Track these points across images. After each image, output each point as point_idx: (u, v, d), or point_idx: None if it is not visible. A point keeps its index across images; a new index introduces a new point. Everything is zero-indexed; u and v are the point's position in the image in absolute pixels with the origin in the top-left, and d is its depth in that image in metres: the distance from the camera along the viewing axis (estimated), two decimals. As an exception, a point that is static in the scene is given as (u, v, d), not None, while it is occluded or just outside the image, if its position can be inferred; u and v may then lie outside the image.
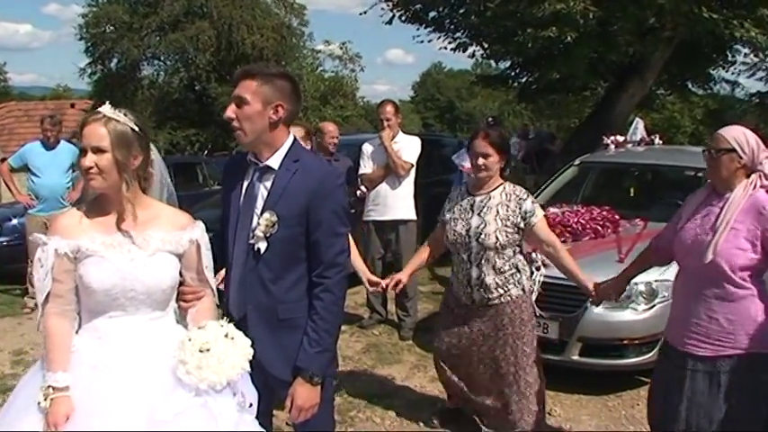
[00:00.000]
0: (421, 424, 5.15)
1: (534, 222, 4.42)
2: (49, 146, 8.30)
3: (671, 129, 31.54)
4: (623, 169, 8.43)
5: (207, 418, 2.53)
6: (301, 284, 2.99)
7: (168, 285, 2.73)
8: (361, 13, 17.06)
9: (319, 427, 3.12)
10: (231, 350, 2.59)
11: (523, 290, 4.51)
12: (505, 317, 4.47)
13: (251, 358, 2.65)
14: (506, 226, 4.39)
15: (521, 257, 4.56)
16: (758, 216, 3.36)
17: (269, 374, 2.93)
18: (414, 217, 7.21)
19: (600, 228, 6.35)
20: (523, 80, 18.08)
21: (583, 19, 12.41)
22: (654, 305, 5.43)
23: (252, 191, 3.05)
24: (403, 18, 16.23)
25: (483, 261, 4.45)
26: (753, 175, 3.45)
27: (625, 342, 5.51)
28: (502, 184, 4.52)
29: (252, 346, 2.67)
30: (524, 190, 4.55)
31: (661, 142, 9.15)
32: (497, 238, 4.37)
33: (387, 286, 4.73)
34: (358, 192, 7.30)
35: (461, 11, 15.32)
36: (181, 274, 2.80)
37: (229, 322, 2.70)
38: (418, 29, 16.49)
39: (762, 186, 3.44)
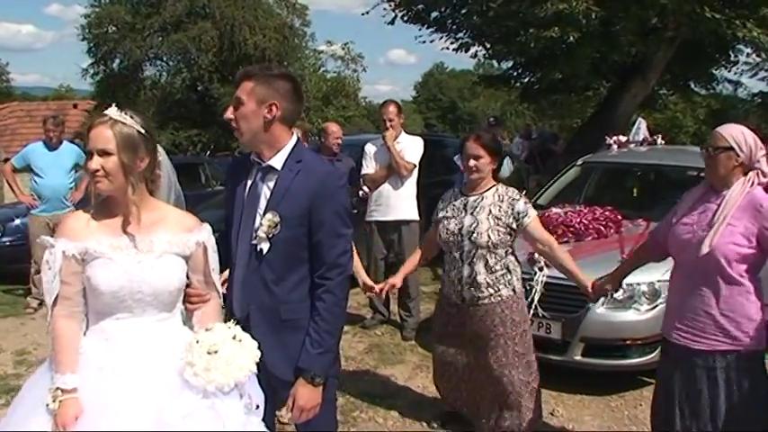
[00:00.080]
0: (423, 424, 5.15)
1: (527, 223, 4.47)
2: (51, 146, 8.30)
3: (673, 129, 31.54)
4: (626, 169, 8.42)
5: (214, 419, 2.53)
6: (304, 285, 2.99)
7: (175, 287, 2.73)
8: (363, 14, 17.09)
9: (322, 428, 3.12)
10: (239, 352, 2.60)
11: (514, 291, 4.55)
12: (496, 317, 4.49)
13: (258, 360, 2.66)
14: (498, 226, 4.44)
15: (512, 258, 4.60)
16: (755, 213, 3.40)
17: (271, 375, 2.93)
18: (416, 217, 7.21)
19: (603, 228, 6.34)
20: (526, 80, 18.06)
21: (585, 19, 12.40)
22: (656, 305, 5.42)
23: (255, 191, 3.06)
24: (405, 18, 16.22)
25: (475, 259, 4.49)
26: (750, 173, 3.49)
27: (628, 342, 5.50)
28: (495, 185, 4.59)
29: None
30: (517, 191, 4.61)
31: (663, 142, 9.15)
32: (489, 237, 4.42)
33: (381, 290, 4.77)
34: (360, 192, 7.30)
35: (463, 11, 15.31)
36: (187, 276, 2.80)
37: (235, 324, 2.71)
38: (420, 29, 16.48)
39: (759, 184, 3.48)
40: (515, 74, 18.01)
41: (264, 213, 2.96)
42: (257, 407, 2.71)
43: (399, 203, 7.11)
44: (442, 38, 16.63)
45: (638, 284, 5.42)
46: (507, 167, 12.06)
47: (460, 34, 16.26)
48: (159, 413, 2.48)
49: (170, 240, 2.72)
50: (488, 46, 16.35)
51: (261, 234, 2.94)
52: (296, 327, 2.96)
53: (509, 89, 19.89)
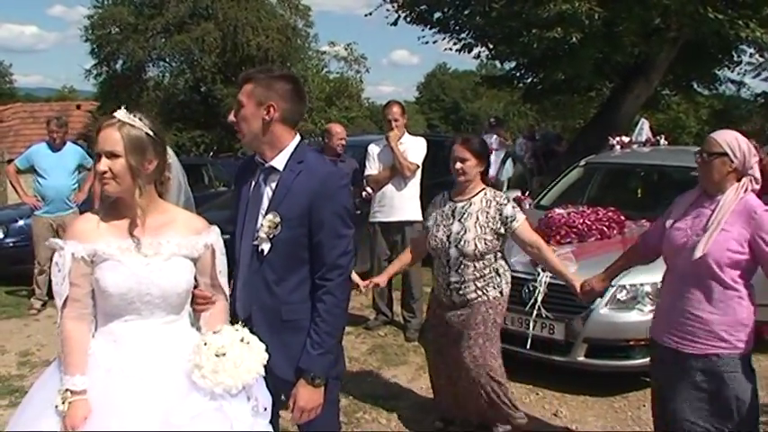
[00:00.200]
0: (427, 425, 5.14)
1: (516, 227, 4.52)
2: (55, 147, 8.32)
3: (676, 129, 31.53)
4: (629, 170, 8.42)
5: (222, 421, 2.54)
6: (305, 286, 2.99)
7: (183, 289, 2.74)
8: (366, 15, 17.25)
9: (324, 428, 3.12)
10: (247, 354, 2.61)
11: (501, 293, 4.60)
12: (480, 316, 4.54)
13: (266, 363, 2.67)
14: (486, 233, 4.49)
15: (502, 263, 4.65)
16: (749, 219, 3.44)
17: (272, 375, 2.93)
18: (420, 218, 7.18)
19: (606, 228, 6.33)
20: (528, 81, 18.08)
21: (588, 20, 12.41)
22: (660, 306, 5.42)
23: (258, 192, 3.07)
24: (408, 19, 16.25)
25: (462, 267, 4.55)
26: (744, 179, 3.52)
27: (631, 343, 5.49)
28: (483, 189, 4.64)
29: None
30: (504, 196, 4.67)
31: (666, 143, 9.16)
32: (476, 246, 4.48)
33: (366, 287, 4.77)
34: (364, 193, 7.30)
35: (466, 12, 15.34)
36: (195, 278, 2.81)
37: (243, 326, 2.72)
38: (423, 30, 16.52)
39: (752, 190, 3.52)
40: (518, 74, 18.04)
41: (266, 214, 2.97)
42: (264, 409, 2.72)
43: (403, 204, 7.11)
44: (444, 38, 16.66)
45: (642, 285, 5.42)
46: (509, 168, 12.11)
47: (463, 35, 16.28)
48: (167, 414, 2.49)
49: (179, 243, 2.73)
50: (491, 46, 16.36)
51: (262, 234, 2.95)
52: (297, 327, 2.97)
53: (512, 90, 19.93)
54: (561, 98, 19.73)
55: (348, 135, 8.09)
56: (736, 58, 16.92)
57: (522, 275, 5.69)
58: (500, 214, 4.50)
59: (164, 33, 27.63)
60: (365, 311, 7.99)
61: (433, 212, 4.76)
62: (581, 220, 6.37)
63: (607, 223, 6.38)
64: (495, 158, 11.54)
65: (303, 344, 2.93)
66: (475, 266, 4.52)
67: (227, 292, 2.93)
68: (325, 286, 2.93)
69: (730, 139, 3.53)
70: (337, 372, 3.12)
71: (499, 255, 4.62)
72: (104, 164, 2.60)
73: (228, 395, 2.58)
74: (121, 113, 2.65)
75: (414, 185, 7.13)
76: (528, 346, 5.56)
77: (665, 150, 8.80)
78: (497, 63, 19.63)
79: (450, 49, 16.78)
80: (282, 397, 3.04)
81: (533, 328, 5.60)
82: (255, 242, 2.98)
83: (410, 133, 7.38)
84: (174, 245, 2.71)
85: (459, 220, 4.56)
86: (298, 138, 3.09)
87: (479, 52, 16.94)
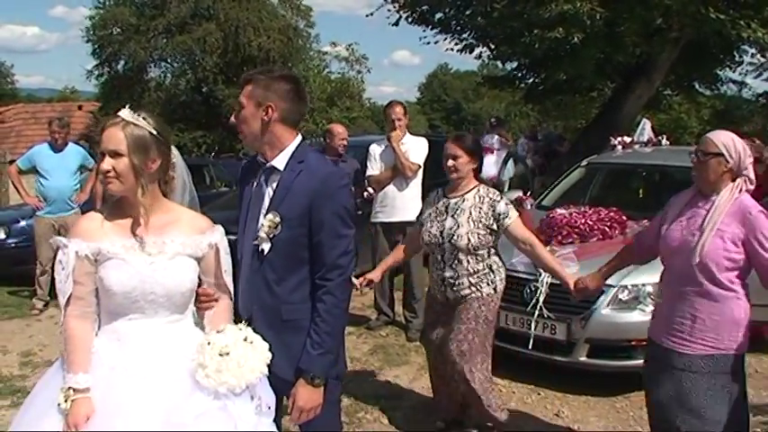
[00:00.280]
0: (429, 425, 5.14)
1: (508, 223, 4.55)
2: (56, 148, 8.33)
3: (678, 129, 31.48)
4: (631, 170, 8.42)
5: (226, 420, 2.55)
6: (305, 286, 2.99)
7: (187, 288, 2.75)
8: (367, 15, 17.19)
9: (325, 428, 3.12)
10: (250, 354, 2.61)
11: (495, 290, 4.62)
12: (472, 312, 4.57)
13: (269, 362, 2.67)
14: (479, 228, 4.52)
15: (496, 259, 4.67)
16: (744, 219, 3.47)
17: (273, 375, 2.94)
18: (421, 218, 7.20)
19: (607, 229, 6.33)
20: (530, 81, 18.08)
21: (590, 20, 12.40)
22: (662, 306, 5.41)
23: (259, 191, 3.08)
24: (409, 19, 16.24)
25: (456, 262, 4.59)
26: (738, 179, 3.55)
27: (633, 343, 5.48)
28: (476, 186, 4.67)
29: None
30: (498, 192, 4.70)
31: (668, 143, 9.16)
32: (469, 240, 4.51)
33: (361, 284, 4.77)
34: (365, 193, 7.30)
35: (468, 12, 15.33)
36: (199, 277, 2.81)
37: (247, 325, 2.72)
38: (425, 30, 16.51)
39: (747, 191, 3.56)
40: (520, 75, 18.04)
41: (266, 213, 2.98)
42: (268, 408, 2.72)
43: (404, 204, 7.10)
44: (446, 39, 16.65)
45: (644, 285, 5.42)
46: (511, 168, 12.12)
47: (465, 35, 16.27)
48: (171, 413, 2.49)
49: (183, 242, 2.73)
50: (493, 47, 16.36)
51: (262, 234, 2.96)
52: (297, 327, 2.97)
53: (513, 90, 19.93)
54: (563, 98, 19.73)
55: (349, 135, 8.09)
56: (737, 59, 16.92)
57: (524, 276, 5.70)
58: (493, 210, 4.53)
59: (165, 34, 27.63)
60: (367, 311, 7.99)
61: (427, 209, 4.80)
62: (583, 221, 6.37)
63: (609, 223, 6.38)
64: (496, 158, 11.58)
65: (303, 344, 2.93)
66: (468, 261, 4.55)
67: (232, 291, 2.94)
68: (325, 286, 2.93)
69: (726, 140, 3.57)
70: (337, 372, 3.11)
71: (493, 251, 4.65)
72: (108, 163, 2.61)
73: (232, 394, 2.58)
74: (125, 113, 2.66)
75: (415, 186, 7.13)
76: (530, 347, 5.56)
77: (667, 150, 8.80)
78: (499, 63, 19.67)
79: (452, 49, 16.79)
80: (285, 401, 3.05)
81: (535, 329, 5.60)
82: (256, 242, 2.99)
83: (411, 133, 7.38)
84: (178, 244, 2.72)
85: (452, 216, 4.60)
86: (299, 138, 3.09)
87: (481, 52, 16.95)
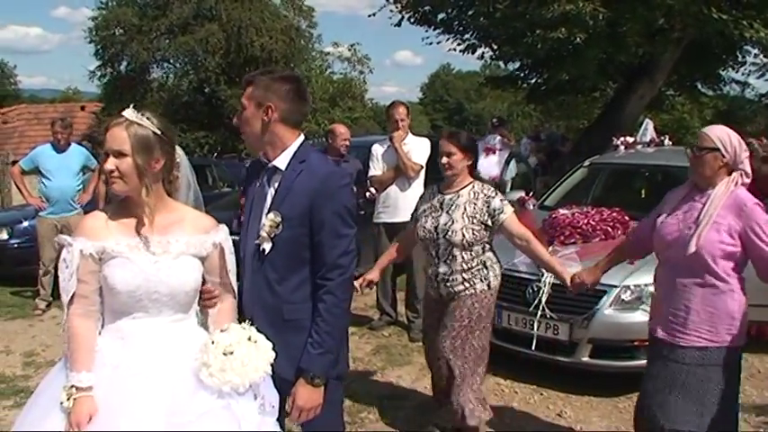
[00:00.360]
0: (431, 425, 5.14)
1: (503, 219, 4.56)
2: (59, 148, 8.33)
3: (680, 130, 31.43)
4: (633, 170, 8.41)
5: (230, 419, 2.56)
6: (307, 285, 3.00)
7: (191, 288, 2.75)
8: (369, 15, 17.13)
9: (327, 429, 3.13)
10: (254, 353, 2.62)
11: (488, 286, 4.61)
12: (465, 309, 4.57)
13: (272, 362, 2.68)
14: (473, 223, 4.52)
15: (490, 255, 4.67)
16: (739, 212, 3.50)
17: (274, 374, 2.94)
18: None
19: (610, 229, 6.33)
20: (532, 81, 18.09)
21: (592, 20, 12.40)
22: (664, 306, 5.41)
23: (262, 191, 3.09)
24: (412, 20, 16.24)
25: (450, 258, 4.58)
26: (734, 173, 3.59)
27: (636, 343, 5.47)
28: (471, 182, 4.68)
29: None
30: (493, 188, 4.70)
31: (671, 143, 9.15)
32: (464, 235, 4.51)
33: (361, 286, 4.78)
34: (368, 194, 7.31)
35: (470, 12, 15.31)
36: (203, 276, 2.82)
37: (250, 325, 2.73)
38: (427, 30, 16.51)
39: (743, 184, 3.59)
40: (522, 75, 18.05)
41: (267, 213, 2.99)
42: (272, 407, 2.73)
43: (407, 205, 7.05)
44: (448, 39, 16.66)
45: (646, 285, 5.40)
46: (513, 168, 12.11)
47: (467, 35, 16.28)
48: (174, 413, 2.49)
49: (187, 241, 2.74)
50: (495, 47, 16.37)
51: (263, 234, 2.96)
52: (299, 327, 2.97)
53: (516, 90, 19.93)
54: (565, 98, 19.74)
55: (351, 136, 8.09)
56: (740, 59, 16.90)
57: (526, 276, 5.70)
58: (488, 206, 4.54)
59: (168, 35, 27.65)
60: (369, 312, 7.99)
61: (422, 205, 4.81)
62: (585, 221, 6.37)
63: (611, 224, 6.38)
64: (498, 159, 11.55)
65: (305, 344, 2.93)
66: (463, 257, 4.55)
67: (236, 290, 2.94)
68: (325, 286, 2.93)
69: (722, 135, 3.60)
70: (338, 372, 3.11)
71: (487, 247, 4.65)
72: (111, 163, 2.62)
73: (236, 393, 2.59)
74: (129, 112, 2.66)
75: (418, 186, 7.12)
76: (533, 347, 5.57)
77: (670, 151, 8.77)
78: (501, 64, 19.66)
79: (454, 49, 16.77)
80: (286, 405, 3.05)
81: (538, 329, 5.60)
82: (257, 241, 2.99)
83: (414, 134, 7.38)
84: (182, 243, 2.72)
85: (447, 212, 4.60)
86: (301, 138, 3.10)
87: (483, 53, 16.95)
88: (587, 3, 12.24)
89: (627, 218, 6.48)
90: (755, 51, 15.91)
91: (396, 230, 7.12)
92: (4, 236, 9.44)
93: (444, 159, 4.62)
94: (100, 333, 2.69)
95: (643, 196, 7.78)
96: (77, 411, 2.49)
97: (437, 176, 7.58)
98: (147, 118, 2.66)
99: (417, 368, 6.36)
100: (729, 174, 3.59)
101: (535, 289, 5.62)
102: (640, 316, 5.45)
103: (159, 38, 27.62)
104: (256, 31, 27.11)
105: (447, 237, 4.54)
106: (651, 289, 5.36)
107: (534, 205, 7.76)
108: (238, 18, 26.94)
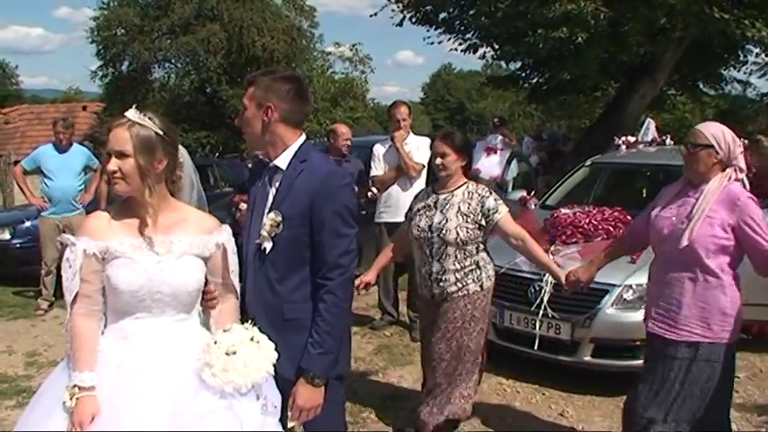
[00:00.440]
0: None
1: (498, 219, 4.56)
2: (61, 149, 8.35)
3: (682, 129, 31.33)
4: (635, 170, 8.41)
5: (232, 419, 2.56)
6: (307, 285, 3.00)
7: (194, 288, 2.75)
8: (371, 15, 17.16)
9: (330, 429, 3.13)
10: (257, 353, 2.63)
11: (481, 287, 4.61)
12: (458, 311, 4.58)
13: (275, 363, 2.68)
14: (467, 222, 4.53)
15: (483, 255, 4.67)
16: (733, 207, 3.53)
17: (276, 374, 2.94)
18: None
19: (612, 228, 6.32)
20: (534, 81, 18.09)
21: (594, 19, 12.40)
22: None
23: (264, 191, 3.10)
24: (413, 20, 16.25)
25: (443, 257, 4.58)
26: (728, 169, 3.62)
27: (638, 343, 5.45)
28: (465, 183, 4.69)
29: None
30: (487, 188, 4.71)
31: (672, 143, 9.13)
32: (458, 234, 4.51)
33: (356, 289, 4.77)
34: (369, 193, 7.31)
35: (472, 12, 15.31)
36: (205, 277, 2.82)
37: (252, 325, 2.74)
38: (428, 30, 16.53)
39: (736, 179, 3.62)
40: (523, 74, 18.06)
41: (268, 212, 3.00)
42: (274, 407, 2.73)
43: (408, 205, 7.09)
44: (450, 39, 16.66)
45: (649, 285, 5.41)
46: (514, 168, 12.10)
47: (469, 35, 16.28)
48: (177, 413, 2.50)
49: (190, 241, 2.74)
50: (496, 47, 16.37)
51: (264, 233, 2.97)
52: (299, 326, 2.97)
53: (517, 90, 19.95)
54: (567, 98, 19.75)
55: (353, 135, 8.10)
56: (742, 58, 16.91)
57: (528, 275, 5.71)
58: (482, 206, 4.55)
59: (169, 35, 27.63)
60: (371, 311, 8.00)
61: (416, 205, 4.82)
62: (587, 220, 6.37)
63: (613, 223, 6.38)
64: (500, 158, 11.54)
65: (305, 343, 2.94)
66: (456, 256, 4.55)
67: (238, 291, 2.94)
68: (326, 285, 2.93)
69: (716, 131, 3.64)
70: (339, 372, 3.11)
71: (481, 247, 4.65)
72: (114, 163, 2.62)
73: (238, 394, 2.60)
74: (132, 113, 2.66)
75: (419, 186, 7.09)
76: (535, 347, 5.57)
77: (671, 150, 8.76)
78: (503, 63, 19.62)
79: (456, 49, 16.78)
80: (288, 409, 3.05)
81: (539, 328, 5.60)
82: (258, 240, 3.00)
83: (415, 133, 7.38)
84: (185, 243, 2.73)
85: (441, 211, 4.61)
86: (303, 137, 3.11)
87: (485, 52, 16.96)
88: (589, 2, 12.25)
89: (628, 217, 6.47)
90: (757, 51, 15.92)
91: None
92: (7, 236, 9.46)
93: (438, 160, 4.63)
94: (103, 333, 2.69)
95: (644, 196, 7.77)
96: (80, 411, 2.49)
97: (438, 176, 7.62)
98: (150, 119, 2.66)
99: (419, 368, 6.31)
100: (723, 170, 3.62)
101: (537, 288, 5.62)
102: (642, 315, 5.44)
103: (161, 38, 27.60)
104: (258, 31, 27.09)
105: (441, 235, 4.54)
106: (652, 288, 5.41)
107: (536, 205, 7.77)
108: (240, 18, 26.93)
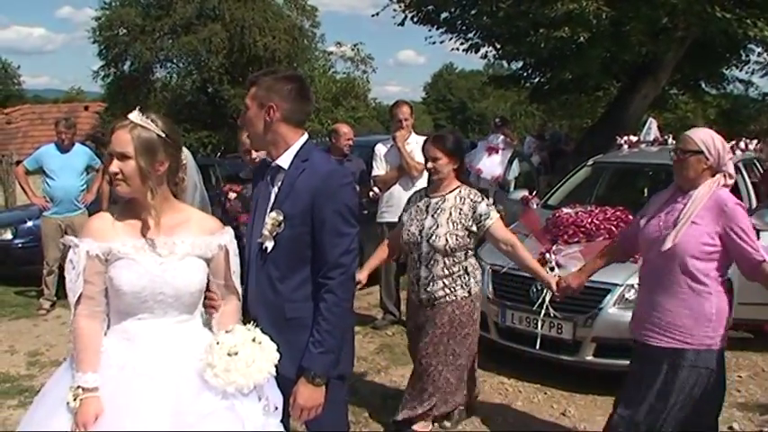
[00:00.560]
0: (435, 425, 5.14)
1: (489, 224, 4.57)
2: (63, 149, 8.36)
3: (684, 129, 31.34)
4: (636, 169, 8.42)
5: (234, 420, 2.57)
6: (309, 284, 3.01)
7: (196, 289, 2.76)
8: (373, 15, 17.13)
9: (332, 428, 3.14)
10: (258, 354, 2.64)
11: (469, 293, 4.63)
12: (446, 316, 4.60)
13: (277, 362, 2.69)
14: (458, 229, 4.53)
15: (472, 260, 4.69)
16: (720, 213, 3.53)
17: (277, 374, 2.94)
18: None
19: (614, 228, 6.32)
20: (536, 80, 18.06)
21: (596, 19, 12.39)
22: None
23: (266, 190, 3.12)
24: (415, 19, 16.23)
25: (432, 262, 4.60)
26: (717, 175, 3.62)
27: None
28: (458, 187, 4.69)
29: None
30: (479, 193, 4.71)
31: (674, 142, 9.12)
32: (447, 241, 4.53)
33: None
34: (371, 193, 7.31)
35: (473, 12, 15.29)
36: (207, 278, 2.82)
37: (254, 325, 2.74)
38: (430, 30, 16.49)
39: (725, 185, 3.63)
40: (525, 74, 18.02)
41: (270, 212, 3.00)
42: (276, 408, 2.74)
43: (410, 205, 7.11)
44: (451, 39, 16.63)
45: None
46: (516, 168, 12.10)
47: (470, 35, 16.25)
48: (179, 413, 2.51)
49: (193, 243, 2.75)
50: (498, 46, 16.34)
51: (265, 232, 2.98)
52: (300, 326, 2.98)
53: (519, 89, 19.93)
54: (568, 98, 19.70)
55: (355, 135, 8.10)
56: (743, 58, 16.88)
57: (530, 275, 5.70)
58: (473, 212, 4.55)
59: (171, 34, 27.61)
60: (373, 311, 8.00)
61: (409, 207, 4.82)
62: (589, 220, 6.37)
63: (615, 223, 6.37)
64: (501, 158, 11.53)
65: (306, 342, 2.94)
66: (444, 263, 4.56)
67: (240, 292, 2.95)
68: (327, 285, 2.94)
69: (705, 137, 3.64)
70: (340, 372, 3.11)
71: (470, 253, 4.67)
72: (116, 165, 2.64)
73: (240, 394, 2.61)
74: (134, 115, 2.67)
75: (421, 185, 7.09)
76: (537, 346, 5.57)
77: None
78: (504, 63, 19.59)
79: (457, 49, 16.75)
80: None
81: (541, 328, 5.60)
82: (259, 240, 3.01)
83: (417, 133, 7.38)
84: (188, 245, 2.73)
85: (432, 216, 4.62)
86: (305, 137, 3.11)
87: (486, 52, 16.92)
88: (591, 2, 12.23)
89: (630, 217, 6.47)
90: (759, 50, 15.87)
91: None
92: (9, 236, 9.49)
93: (430, 164, 4.64)
94: (106, 334, 2.70)
95: (646, 195, 7.79)
96: (84, 412, 2.51)
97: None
98: (152, 120, 2.67)
99: (421, 367, 6.35)
100: (713, 176, 3.62)
101: (539, 288, 5.62)
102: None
103: (162, 38, 27.58)
104: (259, 30, 27.06)
105: (430, 241, 4.56)
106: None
107: (538, 204, 7.77)
108: (241, 18, 26.91)
